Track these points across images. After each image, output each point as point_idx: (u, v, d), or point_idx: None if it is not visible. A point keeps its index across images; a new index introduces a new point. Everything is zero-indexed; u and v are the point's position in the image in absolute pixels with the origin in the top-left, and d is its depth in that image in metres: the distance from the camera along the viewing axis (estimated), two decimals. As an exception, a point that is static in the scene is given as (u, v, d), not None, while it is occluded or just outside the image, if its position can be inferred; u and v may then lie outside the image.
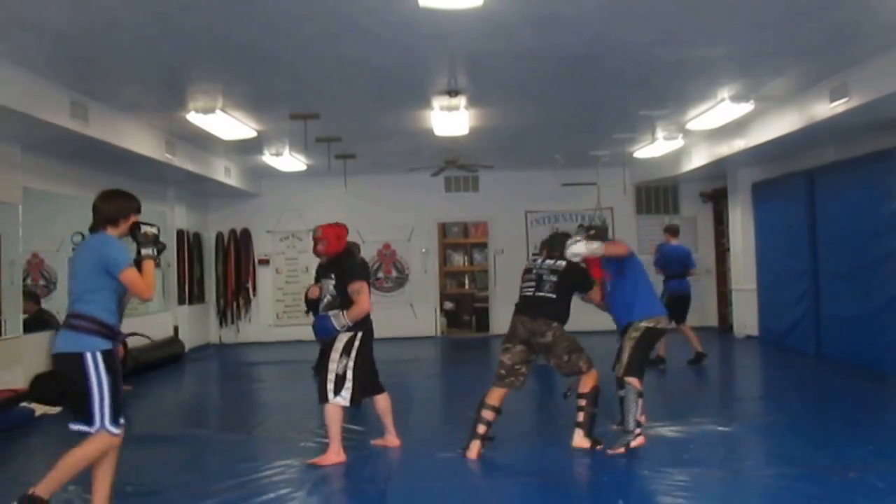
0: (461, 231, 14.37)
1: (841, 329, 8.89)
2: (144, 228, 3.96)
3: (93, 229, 3.93)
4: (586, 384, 5.21)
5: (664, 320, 5.36)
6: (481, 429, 5.12)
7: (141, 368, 9.41)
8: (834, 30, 5.67)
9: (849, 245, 8.67)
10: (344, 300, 5.08)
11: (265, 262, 13.33)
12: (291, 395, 8.49)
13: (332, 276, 5.20)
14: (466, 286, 14.44)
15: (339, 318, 5.00)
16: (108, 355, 3.76)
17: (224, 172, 10.97)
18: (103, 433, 3.77)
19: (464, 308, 14.17)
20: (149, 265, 3.93)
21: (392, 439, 5.52)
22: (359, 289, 5.06)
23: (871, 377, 7.83)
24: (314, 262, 12.29)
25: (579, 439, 5.21)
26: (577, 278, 5.33)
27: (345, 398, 4.99)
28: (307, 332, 11.09)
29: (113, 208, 3.93)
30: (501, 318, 13.18)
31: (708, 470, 4.79)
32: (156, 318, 10.94)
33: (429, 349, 9.60)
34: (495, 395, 5.21)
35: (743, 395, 7.99)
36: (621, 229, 13.12)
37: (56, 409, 7.18)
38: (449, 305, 14.13)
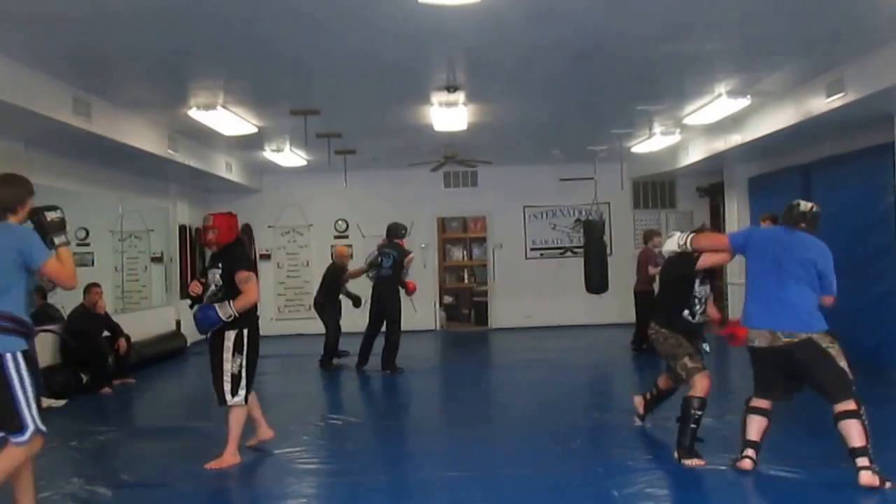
0: (460, 226, 14.43)
1: (835, 323, 8.91)
2: (49, 214, 3.64)
3: None
4: (692, 391, 4.82)
5: (754, 333, 4.41)
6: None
7: (143, 362, 9.49)
8: (831, 25, 5.70)
9: (844, 240, 8.66)
10: (230, 291, 4.85)
11: (266, 256, 13.41)
12: (293, 388, 8.58)
13: (220, 266, 4.92)
14: (465, 280, 14.51)
15: (224, 308, 4.74)
16: (27, 355, 3.47)
17: (225, 168, 11.04)
18: (37, 436, 3.51)
19: (463, 302, 14.26)
20: (66, 253, 3.65)
21: (265, 431, 5.38)
22: (247, 278, 4.85)
23: (864, 372, 7.86)
24: (315, 257, 12.31)
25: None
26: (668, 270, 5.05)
27: (241, 397, 4.90)
28: (309, 326, 11.16)
29: (11, 194, 3.56)
30: (500, 313, 13.27)
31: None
32: (158, 313, 11.02)
33: (428, 343, 9.70)
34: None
35: (737, 388, 8.02)
36: (618, 224, 13.20)
37: (60, 403, 7.27)
38: (448, 299, 14.20)
